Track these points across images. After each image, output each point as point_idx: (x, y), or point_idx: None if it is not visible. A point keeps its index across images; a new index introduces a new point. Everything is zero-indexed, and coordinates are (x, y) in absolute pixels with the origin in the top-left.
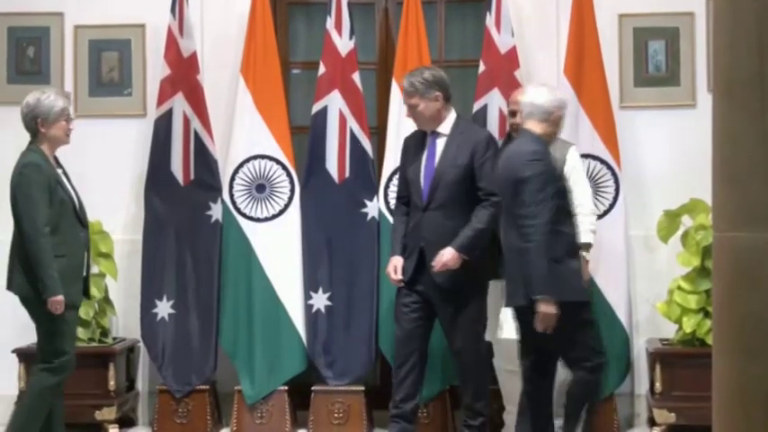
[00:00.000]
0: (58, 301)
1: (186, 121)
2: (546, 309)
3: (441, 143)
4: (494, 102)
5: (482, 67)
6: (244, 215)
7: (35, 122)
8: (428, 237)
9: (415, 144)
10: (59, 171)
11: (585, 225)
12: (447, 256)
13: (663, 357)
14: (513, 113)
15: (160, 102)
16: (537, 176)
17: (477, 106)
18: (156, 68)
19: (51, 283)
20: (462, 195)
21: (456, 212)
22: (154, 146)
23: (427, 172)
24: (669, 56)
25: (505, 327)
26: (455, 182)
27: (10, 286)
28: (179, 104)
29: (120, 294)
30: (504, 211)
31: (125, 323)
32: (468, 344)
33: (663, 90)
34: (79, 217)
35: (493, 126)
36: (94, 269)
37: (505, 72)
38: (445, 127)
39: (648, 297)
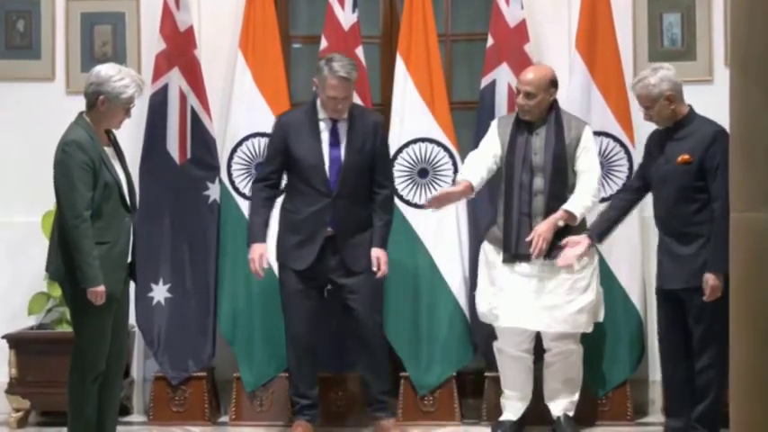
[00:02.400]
0: (97, 292)
1: (182, 98)
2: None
3: (343, 129)
4: (502, 77)
5: (490, 41)
6: (243, 195)
7: (96, 97)
8: (339, 224)
9: (302, 125)
10: (109, 149)
11: (584, 202)
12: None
13: None
14: (526, 94)
15: (155, 77)
16: None
17: (484, 82)
18: (151, 43)
19: (91, 272)
20: (367, 182)
21: (363, 199)
22: (149, 123)
23: (333, 158)
24: (685, 29)
25: (502, 315)
26: (363, 169)
27: (48, 268)
28: (175, 80)
29: None
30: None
31: None
32: (377, 327)
33: (678, 65)
34: (124, 201)
35: (501, 103)
36: None
37: (515, 46)
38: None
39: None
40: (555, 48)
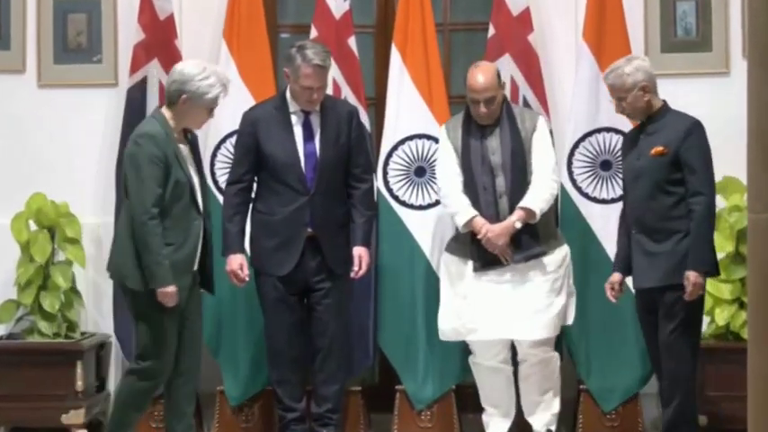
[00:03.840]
0: (167, 292)
1: (162, 91)
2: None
3: (316, 121)
4: (504, 69)
5: (491, 31)
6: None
7: (178, 96)
8: (319, 223)
9: (272, 120)
10: (184, 148)
11: (542, 195)
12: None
13: None
14: (487, 102)
15: (133, 69)
16: None
17: None
18: (128, 32)
19: (161, 271)
20: (343, 176)
21: (341, 195)
22: (126, 118)
23: (308, 154)
24: (700, 18)
25: (479, 329)
26: (339, 163)
27: (109, 267)
28: (154, 72)
29: (90, 284)
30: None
31: (95, 316)
32: (339, 331)
33: (693, 56)
34: (196, 203)
35: None
36: (60, 256)
37: (518, 36)
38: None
39: None
40: (561, 38)
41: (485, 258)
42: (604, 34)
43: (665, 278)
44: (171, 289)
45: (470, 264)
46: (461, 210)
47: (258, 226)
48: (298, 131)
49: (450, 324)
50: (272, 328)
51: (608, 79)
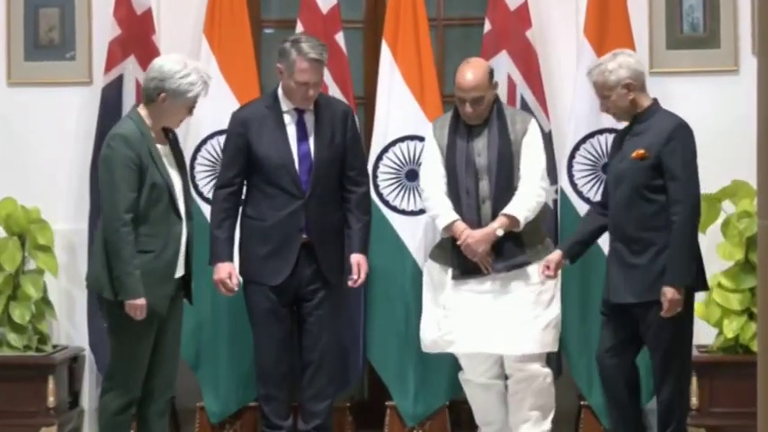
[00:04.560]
0: (137, 305)
1: (139, 89)
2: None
3: (310, 120)
4: (501, 67)
5: (487, 27)
6: (208, 201)
7: (157, 93)
8: (315, 229)
9: (264, 119)
10: (164, 148)
11: (527, 203)
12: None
13: (701, 367)
14: (474, 101)
15: (109, 67)
16: None
17: None
18: (103, 28)
19: (130, 282)
20: (338, 179)
21: (336, 199)
22: (101, 118)
23: (302, 155)
24: (707, 12)
25: (457, 340)
26: (335, 165)
27: (87, 277)
28: (131, 70)
29: (62, 294)
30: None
31: (68, 328)
32: (330, 337)
33: (700, 53)
34: (176, 206)
35: (500, 94)
36: (30, 264)
37: (515, 32)
38: None
39: None
40: (561, 34)
41: (464, 266)
42: (607, 30)
43: (644, 293)
44: (140, 301)
45: (450, 272)
46: (442, 213)
47: (248, 232)
48: (291, 131)
49: (430, 335)
50: (261, 341)
51: (591, 76)
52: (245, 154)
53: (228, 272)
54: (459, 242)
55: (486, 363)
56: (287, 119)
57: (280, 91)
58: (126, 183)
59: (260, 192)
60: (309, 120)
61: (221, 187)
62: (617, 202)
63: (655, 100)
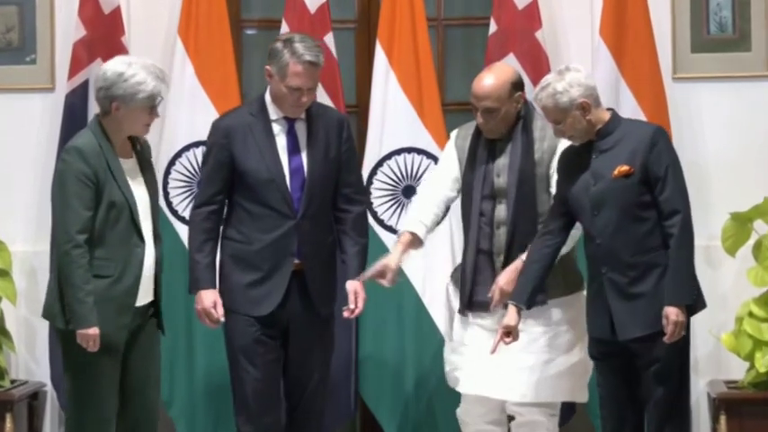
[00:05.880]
0: (88, 335)
1: None
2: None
3: (302, 130)
4: None
5: (493, 27)
6: (183, 220)
7: (109, 103)
8: (307, 253)
9: (250, 130)
10: (129, 162)
11: None
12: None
13: (729, 404)
14: (485, 111)
15: (73, 71)
16: None
17: None
18: (67, 28)
19: (82, 310)
20: (330, 197)
21: (328, 219)
22: (65, 128)
23: (294, 169)
24: (737, 11)
25: (462, 379)
26: (329, 180)
27: (44, 304)
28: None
29: (21, 323)
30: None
31: (27, 361)
32: (321, 375)
33: (728, 56)
34: (138, 228)
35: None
36: None
37: (524, 33)
38: None
39: (710, 326)
40: (574, 35)
41: (468, 298)
42: (625, 30)
43: (652, 323)
44: (92, 331)
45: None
46: (408, 217)
47: (231, 257)
48: (281, 143)
49: (445, 367)
50: (245, 376)
51: (539, 99)
52: (229, 168)
53: (213, 300)
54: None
55: (485, 406)
56: (276, 128)
57: (268, 97)
58: (79, 200)
59: (244, 211)
60: (301, 130)
61: (201, 206)
62: (601, 228)
63: (613, 111)
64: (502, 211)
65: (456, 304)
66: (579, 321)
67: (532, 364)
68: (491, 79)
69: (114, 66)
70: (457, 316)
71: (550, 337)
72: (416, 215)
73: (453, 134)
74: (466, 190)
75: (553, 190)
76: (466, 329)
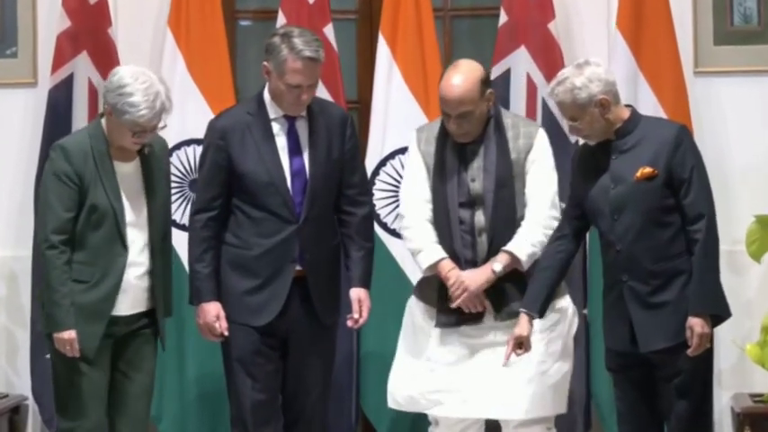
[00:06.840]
0: (65, 339)
1: (93, 92)
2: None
3: (303, 129)
4: (519, 65)
5: (503, 18)
6: (174, 225)
7: (105, 105)
8: (310, 259)
9: (248, 130)
10: (128, 166)
11: (533, 236)
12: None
13: (755, 419)
14: (460, 117)
15: (57, 65)
16: None
17: (496, 71)
18: (50, 20)
19: (59, 313)
20: (333, 200)
21: (331, 223)
22: (48, 125)
23: (295, 171)
24: (762, 2)
25: (447, 401)
26: (332, 183)
27: None
28: (83, 69)
29: (2, 333)
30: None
31: (8, 373)
32: (323, 388)
33: (753, 49)
34: (122, 235)
35: (518, 98)
36: None
37: (535, 24)
38: None
39: (734, 336)
40: (589, 26)
41: (453, 312)
42: (643, 22)
43: (677, 334)
44: (67, 335)
45: (436, 317)
46: (426, 248)
47: (229, 263)
48: (281, 143)
49: (407, 390)
50: (242, 389)
51: (555, 95)
52: (227, 171)
53: (216, 314)
54: (451, 287)
55: (462, 423)
56: (275, 128)
57: (266, 95)
58: (58, 199)
59: (243, 215)
60: (302, 129)
61: (199, 212)
62: (622, 234)
63: (633, 108)
64: (481, 217)
65: (421, 321)
66: (561, 326)
67: (528, 378)
68: (461, 80)
69: (124, 72)
70: (434, 332)
71: (544, 345)
72: (432, 240)
73: (413, 138)
74: (438, 198)
75: (528, 189)
76: (447, 346)
